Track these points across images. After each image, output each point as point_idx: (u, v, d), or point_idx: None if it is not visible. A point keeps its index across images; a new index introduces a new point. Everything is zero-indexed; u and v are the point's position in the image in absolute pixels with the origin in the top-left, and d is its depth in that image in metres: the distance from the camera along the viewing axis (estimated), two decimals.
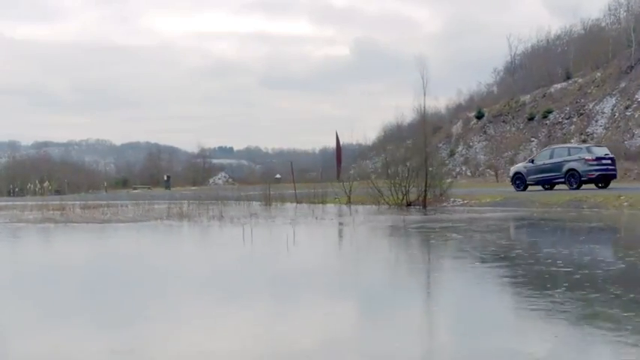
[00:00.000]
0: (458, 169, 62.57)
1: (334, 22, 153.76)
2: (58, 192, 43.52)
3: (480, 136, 67.61)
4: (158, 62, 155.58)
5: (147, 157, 72.17)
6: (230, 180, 61.86)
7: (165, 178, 52.66)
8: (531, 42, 79.74)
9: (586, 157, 24.09)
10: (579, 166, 23.86)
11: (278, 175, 67.33)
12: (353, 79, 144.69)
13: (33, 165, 63.26)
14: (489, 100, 74.06)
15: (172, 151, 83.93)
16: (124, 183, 62.85)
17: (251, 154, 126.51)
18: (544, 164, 25.21)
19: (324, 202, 25.19)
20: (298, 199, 26.75)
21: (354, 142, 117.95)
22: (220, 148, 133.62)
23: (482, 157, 65.09)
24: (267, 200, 25.14)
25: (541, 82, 67.60)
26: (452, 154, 67.60)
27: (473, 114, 70.64)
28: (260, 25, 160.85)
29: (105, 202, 27.54)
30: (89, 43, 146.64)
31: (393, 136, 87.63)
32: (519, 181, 25.84)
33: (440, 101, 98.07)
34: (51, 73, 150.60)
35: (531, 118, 63.13)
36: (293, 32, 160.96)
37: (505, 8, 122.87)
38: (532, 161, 26.28)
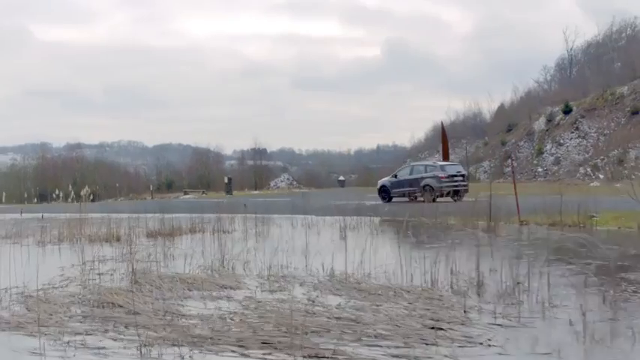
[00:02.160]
0: (549, 170, 50.13)
1: (365, 22, 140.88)
2: (92, 199, 31.01)
3: (572, 132, 54.93)
4: (188, 64, 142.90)
5: (193, 158, 59.09)
6: (294, 183, 49.35)
7: (226, 180, 40.02)
8: (584, 37, 68.76)
9: (440, 175, 24.71)
10: (434, 183, 24.51)
11: (341, 178, 55.11)
12: (384, 80, 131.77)
13: (65, 165, 50.97)
14: (568, 94, 61.55)
15: (209, 153, 71.75)
16: (168, 186, 50.32)
17: (285, 155, 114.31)
18: (405, 179, 25.92)
19: (587, 225, 12.65)
20: (522, 219, 14.09)
21: (390, 144, 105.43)
22: (253, 149, 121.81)
23: (576, 156, 52.55)
24: (491, 223, 12.48)
25: (638, 73, 55.32)
26: (540, 152, 55.09)
27: (558, 108, 58.05)
28: (290, 26, 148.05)
29: (179, 217, 15.09)
30: (119, 45, 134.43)
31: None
32: (385, 193, 26.27)
33: (495, 100, 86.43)
34: (82, 74, 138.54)
35: (635, 112, 50.98)
36: (324, 33, 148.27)
37: (536, 7, 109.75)
38: (395, 176, 26.78)
